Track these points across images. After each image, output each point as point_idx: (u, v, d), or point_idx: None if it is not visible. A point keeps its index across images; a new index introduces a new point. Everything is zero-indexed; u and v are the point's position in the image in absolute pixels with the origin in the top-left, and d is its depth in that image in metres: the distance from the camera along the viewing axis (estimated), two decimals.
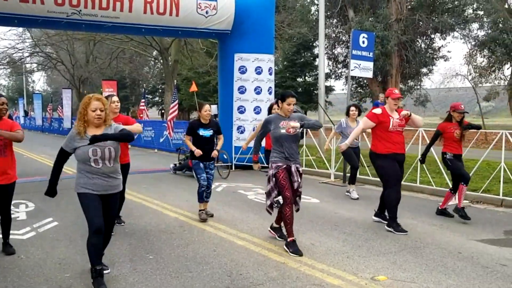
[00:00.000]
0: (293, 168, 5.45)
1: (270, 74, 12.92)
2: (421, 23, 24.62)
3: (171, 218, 7.05)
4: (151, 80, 46.84)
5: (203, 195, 6.90)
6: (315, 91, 32.33)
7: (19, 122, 38.87)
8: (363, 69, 10.94)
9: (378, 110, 6.46)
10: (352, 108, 8.97)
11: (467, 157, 8.59)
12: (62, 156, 4.28)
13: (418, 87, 28.43)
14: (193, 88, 13.86)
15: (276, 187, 5.49)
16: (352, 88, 27.89)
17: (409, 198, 8.72)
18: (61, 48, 34.89)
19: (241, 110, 12.70)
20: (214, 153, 6.96)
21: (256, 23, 12.42)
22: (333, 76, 31.14)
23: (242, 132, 12.69)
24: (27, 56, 37.28)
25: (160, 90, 45.86)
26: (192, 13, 11.77)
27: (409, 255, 5.22)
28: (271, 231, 5.92)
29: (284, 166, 5.44)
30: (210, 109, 6.97)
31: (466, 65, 26.87)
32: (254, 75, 12.59)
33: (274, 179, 5.47)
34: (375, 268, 4.79)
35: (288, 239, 5.36)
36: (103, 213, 4.25)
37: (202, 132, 6.87)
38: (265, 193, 5.78)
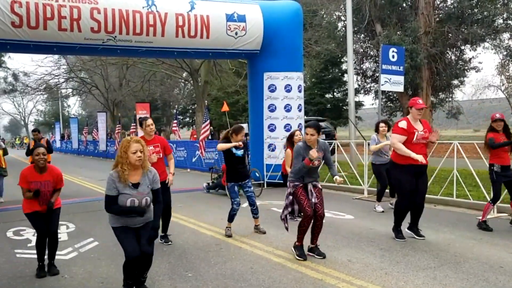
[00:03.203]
0: (308, 187, 5.76)
1: (300, 91, 13.02)
2: (450, 35, 24.36)
3: (207, 236, 7.16)
4: (182, 101, 47.68)
5: (234, 217, 7.12)
6: (344, 107, 32.33)
7: (54, 146, 40.05)
8: (394, 83, 10.92)
9: (403, 123, 6.40)
10: (382, 124, 8.99)
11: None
12: (112, 203, 4.34)
13: (450, 99, 28.00)
14: (225, 108, 14.18)
15: (292, 205, 5.85)
16: (382, 103, 27.68)
17: (446, 213, 8.59)
18: (95, 73, 36.05)
19: (272, 128, 12.81)
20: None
21: (284, 42, 12.59)
22: (362, 91, 31.04)
23: (273, 150, 12.79)
24: (63, 82, 38.67)
25: (191, 111, 46.60)
26: (222, 35, 12.05)
27: (449, 270, 5.14)
28: (309, 253, 5.91)
29: (301, 184, 5.75)
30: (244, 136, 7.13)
31: (499, 75, 26.42)
32: (284, 93, 12.71)
33: (291, 197, 5.80)
34: (415, 284, 4.74)
35: (296, 243, 5.79)
36: (140, 243, 4.43)
37: (235, 150, 6.95)
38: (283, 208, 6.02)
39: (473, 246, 6.13)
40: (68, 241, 7.03)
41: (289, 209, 5.89)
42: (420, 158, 6.09)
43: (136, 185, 4.38)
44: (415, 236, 6.57)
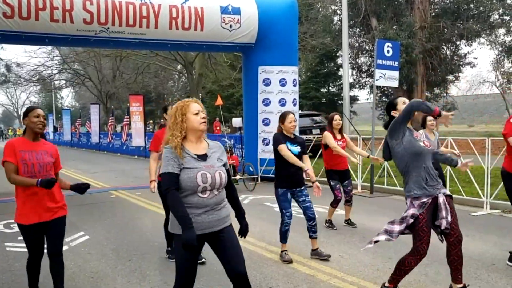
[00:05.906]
0: (440, 199, 3.95)
1: (295, 85, 12.96)
2: (446, 30, 24.37)
3: None
4: (176, 94, 47.51)
5: (287, 234, 5.50)
6: (339, 101, 32.26)
7: (47, 137, 39.83)
8: (389, 78, 10.87)
9: None
10: (430, 118, 7.58)
11: (498, 165, 8.41)
12: (175, 184, 3.05)
13: (445, 94, 28.09)
14: (219, 101, 14.10)
15: (406, 229, 4.01)
16: (377, 98, 27.67)
17: None
18: (88, 64, 35.80)
19: (266, 122, 12.75)
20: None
21: (279, 35, 12.50)
22: (357, 86, 31.04)
23: (267, 144, 12.73)
24: (56, 73, 38.42)
25: None
26: (216, 27, 11.94)
27: (441, 267, 5.13)
28: None
29: (430, 201, 3.92)
30: (296, 120, 5.64)
31: (494, 71, 26.49)
32: (279, 87, 12.64)
33: (411, 220, 3.93)
34: (407, 281, 4.73)
35: (387, 285, 4.25)
36: (223, 259, 3.28)
37: (290, 147, 5.39)
38: (385, 228, 4.13)
39: (466, 243, 6.09)
40: None
41: (406, 231, 4.02)
42: None
43: (203, 157, 3.17)
44: None
